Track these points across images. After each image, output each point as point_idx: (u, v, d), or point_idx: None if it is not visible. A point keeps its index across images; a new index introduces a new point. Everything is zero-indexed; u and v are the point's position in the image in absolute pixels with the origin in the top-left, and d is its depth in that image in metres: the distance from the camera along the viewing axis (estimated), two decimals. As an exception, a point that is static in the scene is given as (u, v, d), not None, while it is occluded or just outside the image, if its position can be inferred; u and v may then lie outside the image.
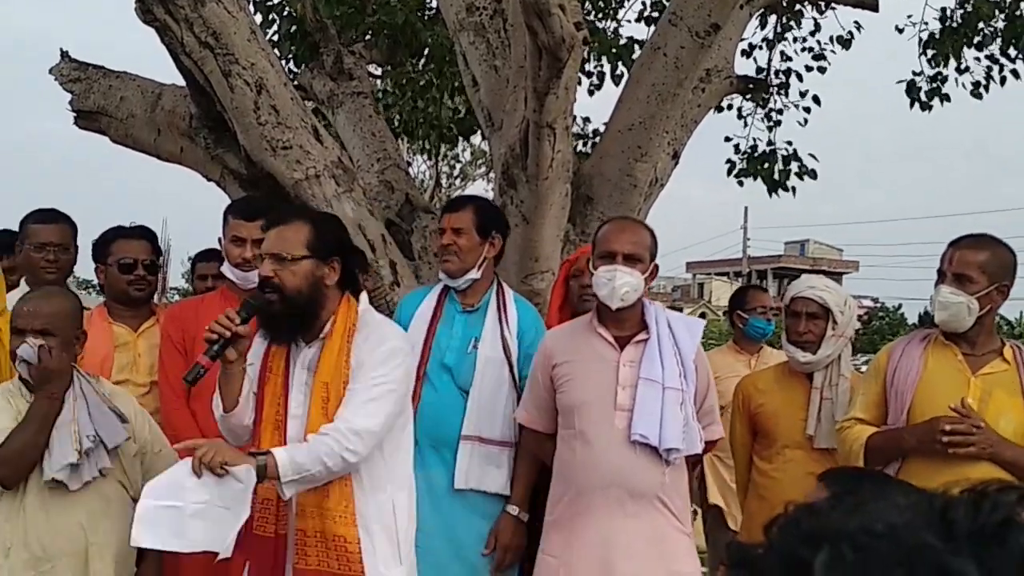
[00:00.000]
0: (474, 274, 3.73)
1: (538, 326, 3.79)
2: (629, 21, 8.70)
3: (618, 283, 3.20)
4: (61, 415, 3.10)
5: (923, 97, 7.74)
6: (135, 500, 3.29)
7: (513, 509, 3.59)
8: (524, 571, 3.64)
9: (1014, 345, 3.43)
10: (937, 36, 7.55)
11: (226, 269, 3.89)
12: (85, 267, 4.43)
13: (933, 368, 3.37)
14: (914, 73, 7.75)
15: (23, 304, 3.21)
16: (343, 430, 2.83)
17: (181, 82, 5.20)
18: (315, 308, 2.99)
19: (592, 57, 8.13)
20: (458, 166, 26.23)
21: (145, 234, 4.24)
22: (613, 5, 8.49)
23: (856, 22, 7.95)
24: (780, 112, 8.11)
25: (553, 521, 3.28)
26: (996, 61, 7.55)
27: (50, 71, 5.76)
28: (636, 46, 8.09)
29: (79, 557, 3.13)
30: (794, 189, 7.75)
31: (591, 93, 8.56)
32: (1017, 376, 3.32)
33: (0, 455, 3.05)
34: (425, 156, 18.58)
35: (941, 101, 7.77)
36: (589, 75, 8.35)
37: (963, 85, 7.69)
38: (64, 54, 5.77)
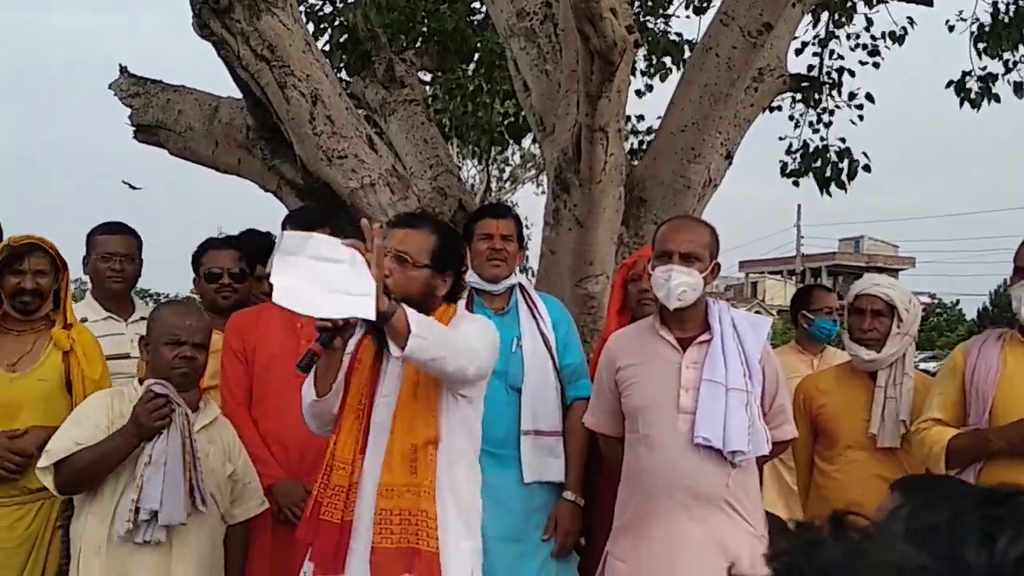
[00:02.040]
0: (513, 279, 3.84)
1: (567, 317, 3.93)
2: (678, 17, 8.66)
3: (674, 283, 3.17)
4: (138, 470, 3.16)
5: (973, 96, 7.63)
6: (223, 517, 3.39)
7: (570, 495, 3.68)
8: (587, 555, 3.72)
9: None
10: (988, 30, 7.44)
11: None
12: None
13: (1013, 366, 3.32)
14: (964, 73, 7.64)
15: (184, 318, 3.30)
16: (462, 340, 2.91)
17: (238, 95, 5.28)
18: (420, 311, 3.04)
19: (642, 57, 8.11)
20: (507, 170, 26.24)
21: (232, 244, 4.38)
22: (663, 2, 8.46)
23: (909, 17, 7.86)
24: (831, 113, 8.03)
25: (621, 525, 3.27)
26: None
27: (109, 86, 5.88)
28: (686, 45, 8.08)
29: (163, 562, 3.20)
30: (841, 185, 7.61)
31: (640, 95, 8.55)
32: None
33: (63, 466, 3.16)
34: (475, 160, 18.62)
35: (989, 101, 7.64)
36: (643, 74, 8.33)
37: (1008, 82, 7.57)
38: (123, 69, 5.89)
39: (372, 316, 2.70)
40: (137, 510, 3.11)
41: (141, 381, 3.33)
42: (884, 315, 3.83)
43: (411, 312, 2.78)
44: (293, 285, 2.75)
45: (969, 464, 3.30)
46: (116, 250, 4.25)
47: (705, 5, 8.02)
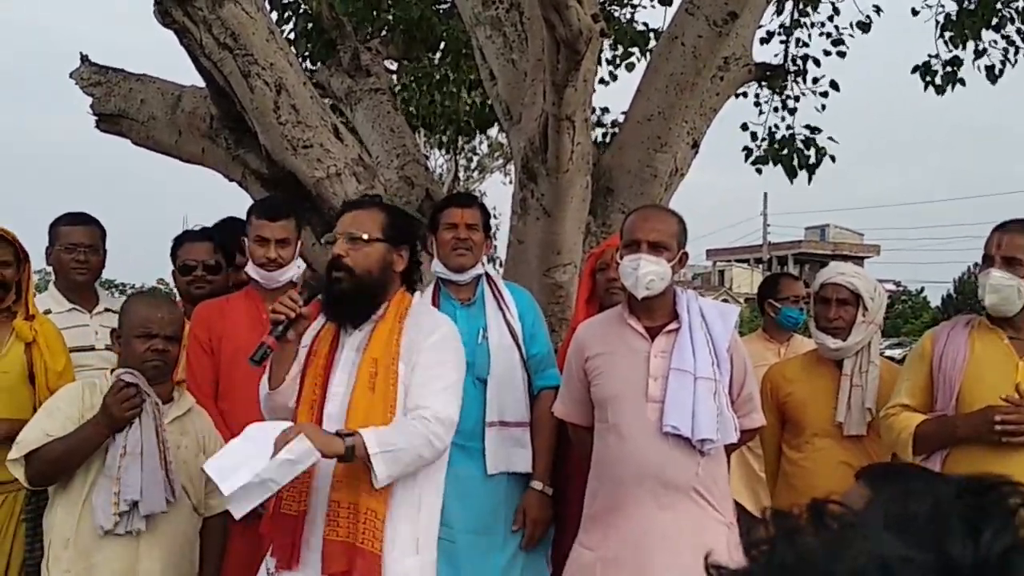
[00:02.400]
0: (479, 269, 3.83)
1: (534, 306, 3.93)
2: (644, 7, 8.65)
3: (642, 272, 3.17)
4: (110, 462, 3.13)
5: (938, 81, 7.69)
6: (196, 510, 3.36)
7: (537, 484, 3.68)
8: (555, 547, 3.72)
9: None
10: (954, 18, 7.49)
11: (250, 269, 3.91)
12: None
13: (980, 353, 3.35)
14: (930, 56, 7.69)
15: (153, 311, 3.26)
16: (427, 416, 2.87)
17: (201, 84, 5.22)
18: (380, 291, 3.06)
19: (608, 47, 8.11)
20: (475, 159, 26.22)
21: (207, 236, 4.38)
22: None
23: (875, 6, 7.89)
24: (797, 99, 8.06)
25: (591, 515, 3.27)
26: (1013, 43, 7.49)
27: (71, 75, 5.80)
28: (651, 34, 8.08)
29: (130, 553, 3.16)
30: (811, 172, 7.65)
31: (605, 84, 8.53)
32: None
33: (33, 457, 3.11)
34: (443, 150, 18.58)
35: (953, 86, 7.70)
36: (609, 63, 8.33)
37: (978, 68, 7.64)
38: (84, 58, 5.81)
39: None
40: (117, 504, 3.09)
41: (113, 372, 3.30)
42: (849, 304, 3.86)
43: (365, 431, 2.79)
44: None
45: (936, 450, 3.33)
46: (80, 241, 4.20)
47: (671, -1, 8.02)
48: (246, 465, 2.75)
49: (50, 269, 4.35)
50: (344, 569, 2.85)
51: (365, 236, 3.03)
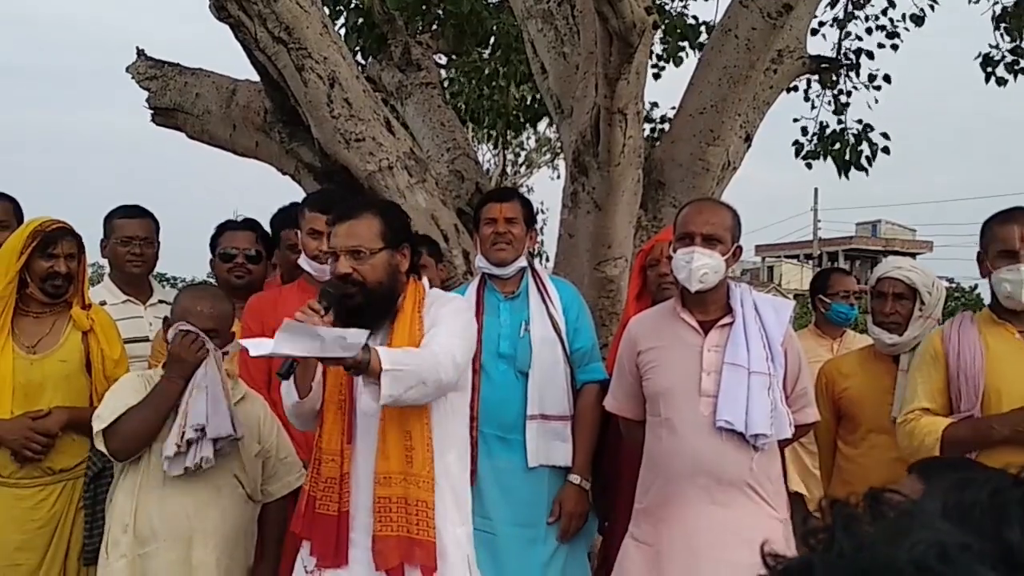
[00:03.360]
0: (522, 262, 3.82)
1: (579, 300, 3.91)
2: (695, 0, 8.60)
3: (695, 265, 3.15)
4: (180, 404, 3.19)
5: (1000, 71, 7.56)
6: (251, 499, 3.39)
7: (575, 478, 3.68)
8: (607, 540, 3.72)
9: None
10: (1010, 10, 7.36)
11: (303, 262, 3.94)
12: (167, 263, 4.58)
13: (995, 349, 3.25)
14: (991, 46, 7.56)
15: (196, 302, 3.29)
16: (438, 352, 2.88)
17: (255, 78, 5.27)
18: (393, 295, 3.05)
19: (659, 41, 8.06)
20: (523, 154, 26.21)
21: (249, 226, 4.42)
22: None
23: (931, -2, 7.77)
24: (849, 94, 7.97)
25: (642, 508, 3.26)
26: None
27: (127, 69, 5.88)
28: (703, 27, 8.02)
29: (183, 542, 3.21)
30: (861, 167, 7.55)
31: (655, 78, 8.49)
32: None
33: (114, 429, 3.16)
34: (491, 144, 18.60)
35: (1015, 76, 7.58)
36: (659, 58, 8.28)
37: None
38: (140, 52, 5.88)
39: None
40: (183, 434, 3.13)
41: (164, 365, 3.34)
42: (906, 298, 3.80)
43: (382, 350, 2.80)
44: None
45: (966, 453, 3.24)
46: (135, 233, 4.28)
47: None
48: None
49: (104, 262, 4.43)
50: (399, 562, 2.87)
51: (367, 249, 2.99)
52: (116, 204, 4.41)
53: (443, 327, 2.98)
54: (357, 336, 2.72)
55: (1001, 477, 0.75)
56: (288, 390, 3.03)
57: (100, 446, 3.20)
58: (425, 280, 3.23)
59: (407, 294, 3.07)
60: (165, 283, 8.43)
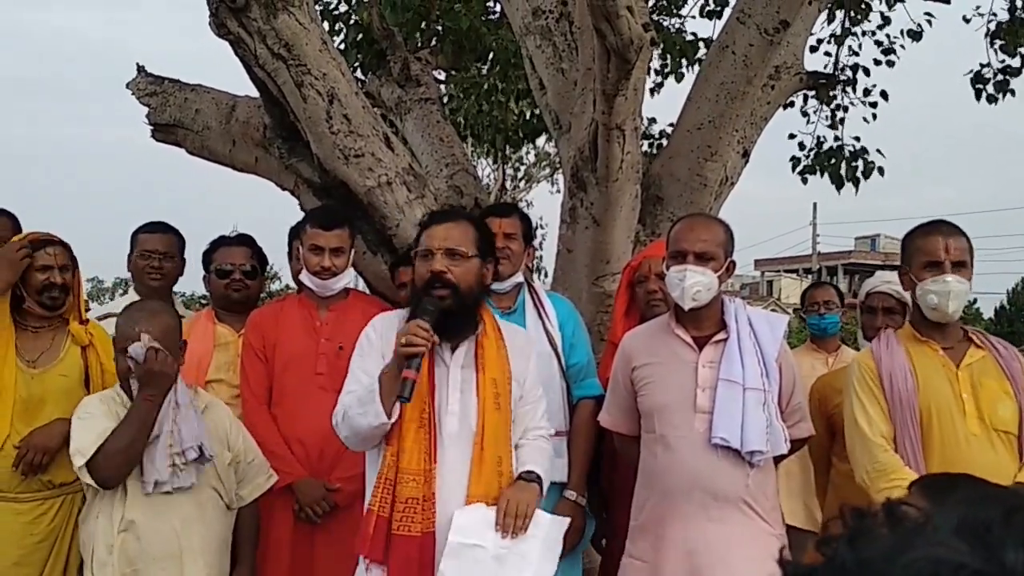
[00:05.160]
0: (518, 277, 3.83)
1: (575, 316, 3.92)
2: (693, 17, 8.64)
3: (688, 283, 3.15)
4: (159, 425, 3.18)
5: (990, 89, 7.59)
6: (229, 507, 3.39)
7: (571, 494, 3.67)
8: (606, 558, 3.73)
9: (973, 330, 3.31)
10: (1005, 26, 7.39)
11: (304, 277, 3.96)
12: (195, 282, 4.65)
13: (922, 368, 3.21)
14: (981, 65, 7.59)
15: (131, 326, 3.25)
16: (545, 436, 3.17)
17: (255, 94, 5.29)
18: (478, 307, 3.05)
19: (656, 56, 8.09)
20: (522, 169, 26.25)
21: (244, 241, 4.45)
22: (677, 1, 8.44)
23: (927, 13, 7.81)
24: (846, 109, 7.99)
25: (639, 525, 3.25)
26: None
27: (127, 85, 5.90)
28: (700, 43, 8.06)
29: (174, 560, 3.21)
30: (856, 183, 7.56)
31: (652, 93, 8.51)
32: (995, 361, 3.20)
33: (100, 458, 3.13)
34: (490, 159, 18.63)
35: (1005, 95, 7.60)
36: (657, 73, 8.32)
37: (1027, 77, 7.53)
38: (140, 68, 5.91)
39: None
40: (183, 454, 3.16)
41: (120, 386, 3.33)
42: (896, 312, 3.80)
43: (539, 470, 3.04)
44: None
45: None
46: (155, 248, 4.38)
47: (719, 10, 8.00)
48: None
49: (130, 276, 4.53)
50: None
51: (463, 252, 2.97)
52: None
53: (540, 399, 3.18)
54: (548, 519, 2.98)
55: (1017, 496, 0.75)
56: (368, 412, 2.88)
57: (86, 479, 3.16)
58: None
59: (484, 314, 3.09)
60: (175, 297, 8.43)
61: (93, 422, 3.22)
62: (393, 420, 2.89)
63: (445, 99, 8.15)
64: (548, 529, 2.94)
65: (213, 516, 3.32)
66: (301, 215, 4.64)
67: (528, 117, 8.90)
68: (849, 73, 7.95)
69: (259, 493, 3.52)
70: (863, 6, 7.83)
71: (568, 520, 2.97)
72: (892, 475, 3.14)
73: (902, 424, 3.19)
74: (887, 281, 3.90)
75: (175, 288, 4.60)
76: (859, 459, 3.25)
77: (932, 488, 2.13)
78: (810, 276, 45.12)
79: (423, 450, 2.90)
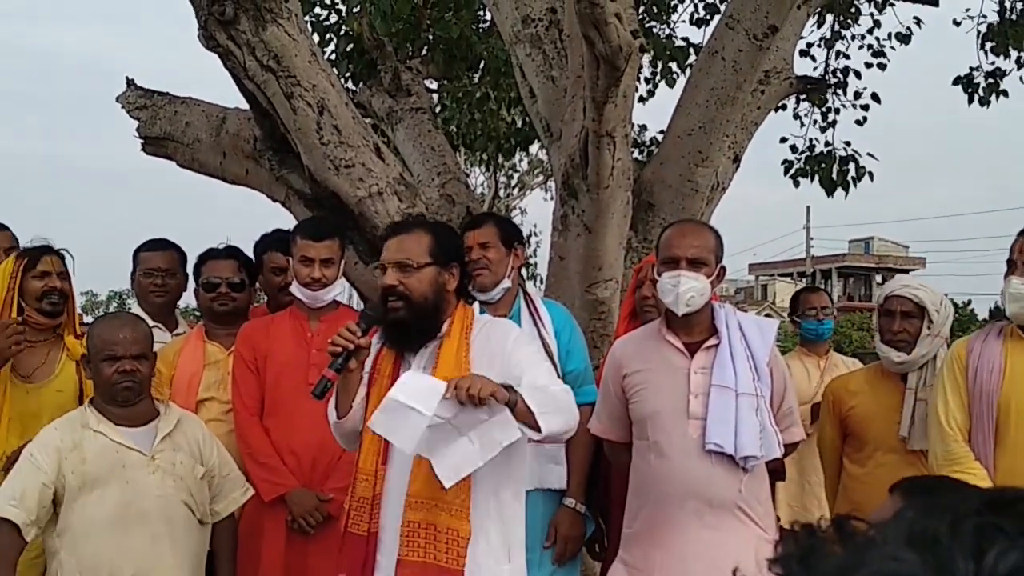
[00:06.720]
0: (506, 283, 3.81)
1: (571, 323, 3.91)
2: (684, 22, 8.66)
3: (682, 289, 3.15)
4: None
5: (981, 92, 7.61)
6: (201, 522, 3.37)
7: (570, 502, 3.68)
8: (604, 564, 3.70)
9: None
10: (996, 28, 7.42)
11: (295, 289, 3.95)
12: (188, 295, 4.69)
13: (1014, 363, 3.26)
14: (971, 68, 7.62)
15: (115, 332, 3.26)
16: (559, 395, 2.90)
17: (245, 106, 5.29)
18: (438, 314, 3.04)
19: (647, 63, 8.11)
20: (515, 176, 26.27)
21: (232, 254, 4.46)
22: (667, 7, 8.46)
23: (916, 18, 7.84)
24: (837, 112, 8.01)
25: (632, 533, 3.24)
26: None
27: (117, 99, 5.89)
28: (690, 49, 8.08)
29: None
30: (846, 187, 7.57)
31: (643, 101, 8.52)
32: None
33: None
34: (483, 168, 18.64)
35: (997, 96, 7.62)
36: (647, 80, 8.33)
37: (1021, 79, 7.56)
38: (130, 82, 5.89)
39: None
40: None
41: (91, 401, 3.32)
42: (914, 316, 3.79)
43: (523, 391, 2.77)
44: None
45: None
46: (158, 265, 4.42)
47: (708, 18, 8.03)
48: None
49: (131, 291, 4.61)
50: None
51: (414, 263, 3.00)
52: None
53: (540, 369, 2.98)
54: (505, 414, 2.71)
55: (968, 503, 0.74)
56: (331, 410, 3.07)
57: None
58: (476, 305, 3.25)
59: (455, 318, 3.06)
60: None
61: (24, 476, 3.18)
62: (356, 422, 3.01)
63: (437, 108, 8.16)
64: (499, 421, 2.72)
65: (184, 533, 3.29)
66: (271, 228, 4.67)
67: (520, 125, 8.90)
68: (840, 77, 7.98)
69: (235, 507, 3.51)
70: (852, 10, 7.86)
71: (518, 429, 2.72)
72: (956, 466, 3.22)
73: (978, 416, 3.26)
74: (906, 285, 3.90)
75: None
76: (933, 445, 3.38)
77: (908, 492, 2.13)
78: (804, 279, 45.21)
79: (376, 451, 2.97)
